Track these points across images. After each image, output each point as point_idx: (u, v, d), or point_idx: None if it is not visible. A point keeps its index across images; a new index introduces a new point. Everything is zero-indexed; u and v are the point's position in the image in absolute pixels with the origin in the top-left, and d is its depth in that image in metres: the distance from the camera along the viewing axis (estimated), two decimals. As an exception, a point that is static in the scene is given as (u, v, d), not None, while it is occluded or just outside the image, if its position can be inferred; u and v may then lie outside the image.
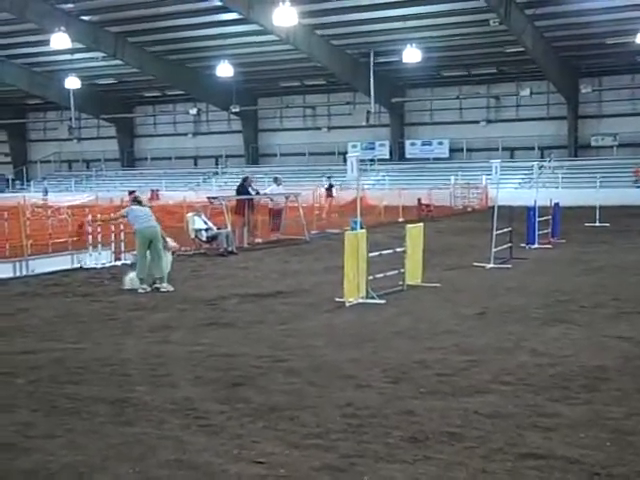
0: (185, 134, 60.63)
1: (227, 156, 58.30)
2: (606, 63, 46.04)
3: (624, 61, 44.95)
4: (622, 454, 5.46)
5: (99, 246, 17.72)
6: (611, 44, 42.21)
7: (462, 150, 51.43)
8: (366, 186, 37.83)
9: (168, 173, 56.70)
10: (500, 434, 5.87)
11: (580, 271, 15.63)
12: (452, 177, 42.87)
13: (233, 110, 54.70)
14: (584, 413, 6.38)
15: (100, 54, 47.58)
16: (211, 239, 19.92)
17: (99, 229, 17.84)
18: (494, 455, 5.46)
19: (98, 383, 7.54)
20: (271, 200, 23.68)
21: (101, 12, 43.12)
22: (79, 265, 17.21)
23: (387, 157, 52.84)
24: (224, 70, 47.95)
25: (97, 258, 17.54)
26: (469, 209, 37.74)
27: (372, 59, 46.08)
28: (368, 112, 49.26)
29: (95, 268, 16.91)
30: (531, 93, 47.98)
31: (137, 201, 14.78)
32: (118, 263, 17.55)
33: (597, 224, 26.93)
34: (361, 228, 13.60)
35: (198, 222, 19.92)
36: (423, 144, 52.76)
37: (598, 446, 5.61)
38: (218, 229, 20.18)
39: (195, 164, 60.52)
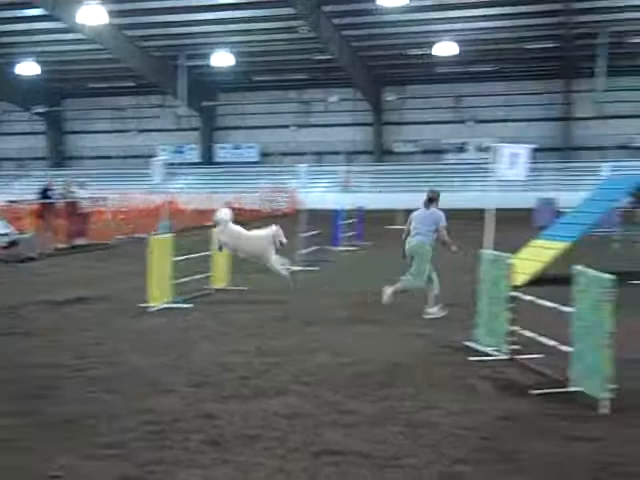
0: (-17, 135, 57.62)
1: (30, 159, 55.82)
2: (408, 73, 48.19)
3: (424, 71, 47.22)
4: (413, 446, 5.73)
5: None
6: (412, 55, 44.22)
7: (272, 154, 52.07)
8: (175, 190, 37.42)
9: (-35, 176, 53.65)
10: (299, 434, 5.98)
11: (385, 271, 16.16)
12: (262, 181, 43.30)
13: (37, 111, 52.45)
14: (380, 409, 6.62)
15: None
16: (11, 244, 19.01)
17: None
18: (292, 454, 5.56)
19: None
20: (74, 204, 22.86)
21: None
22: None
23: (197, 161, 52.56)
24: (28, 68, 45.93)
25: None
26: (278, 213, 38.22)
27: (182, 62, 45.72)
28: (178, 116, 48.82)
29: None
30: (339, 100, 49.32)
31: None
32: None
33: (400, 227, 28.02)
34: (169, 232, 13.41)
35: (-3, 227, 18.97)
36: (234, 148, 52.95)
37: (391, 440, 5.85)
38: (19, 234, 19.29)
39: (-5, 166, 57.62)
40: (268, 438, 5.88)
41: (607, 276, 6.48)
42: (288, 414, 6.45)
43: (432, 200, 11.65)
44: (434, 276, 11.35)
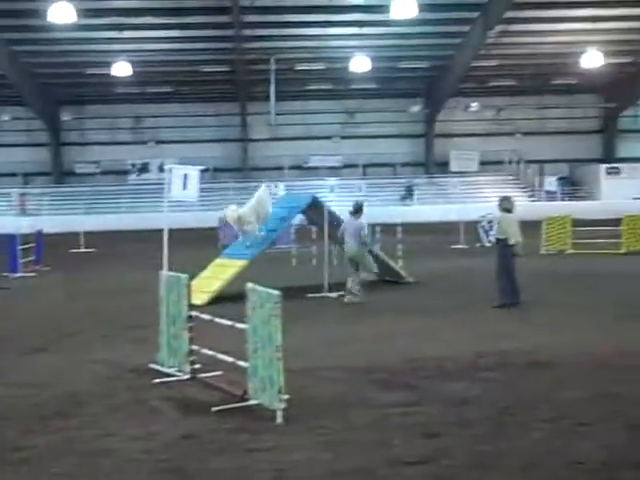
0: None
1: None
2: (87, 92, 47.05)
3: (103, 91, 46.49)
4: (90, 477, 5.63)
5: None
6: (90, 74, 43.37)
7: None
8: None
9: None
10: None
11: (68, 297, 15.75)
12: None
13: None
14: (57, 441, 6.41)
15: None
16: None
17: None
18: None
19: None
20: None
21: None
22: None
23: None
24: None
25: None
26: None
27: None
28: None
29: None
30: (11, 118, 47.13)
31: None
32: None
33: (83, 250, 27.32)
34: None
35: None
36: None
37: (68, 473, 5.70)
38: None
39: None
40: None
41: (275, 292, 6.82)
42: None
43: (357, 211, 14.18)
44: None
